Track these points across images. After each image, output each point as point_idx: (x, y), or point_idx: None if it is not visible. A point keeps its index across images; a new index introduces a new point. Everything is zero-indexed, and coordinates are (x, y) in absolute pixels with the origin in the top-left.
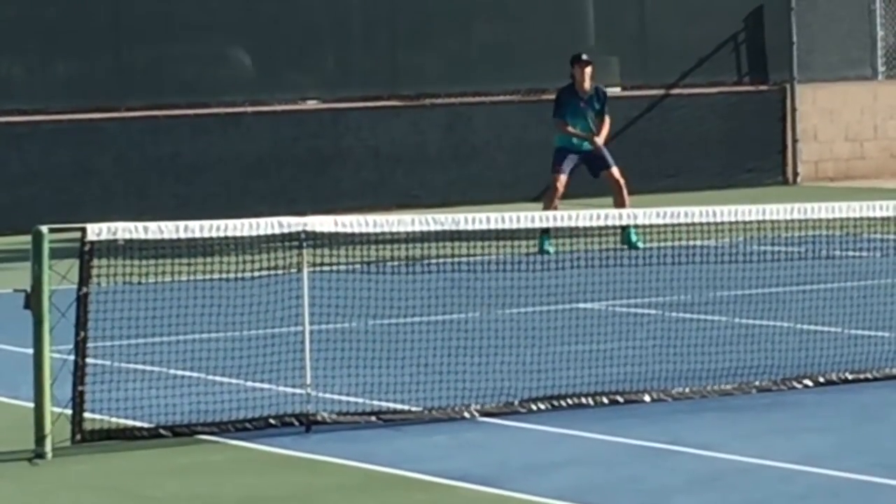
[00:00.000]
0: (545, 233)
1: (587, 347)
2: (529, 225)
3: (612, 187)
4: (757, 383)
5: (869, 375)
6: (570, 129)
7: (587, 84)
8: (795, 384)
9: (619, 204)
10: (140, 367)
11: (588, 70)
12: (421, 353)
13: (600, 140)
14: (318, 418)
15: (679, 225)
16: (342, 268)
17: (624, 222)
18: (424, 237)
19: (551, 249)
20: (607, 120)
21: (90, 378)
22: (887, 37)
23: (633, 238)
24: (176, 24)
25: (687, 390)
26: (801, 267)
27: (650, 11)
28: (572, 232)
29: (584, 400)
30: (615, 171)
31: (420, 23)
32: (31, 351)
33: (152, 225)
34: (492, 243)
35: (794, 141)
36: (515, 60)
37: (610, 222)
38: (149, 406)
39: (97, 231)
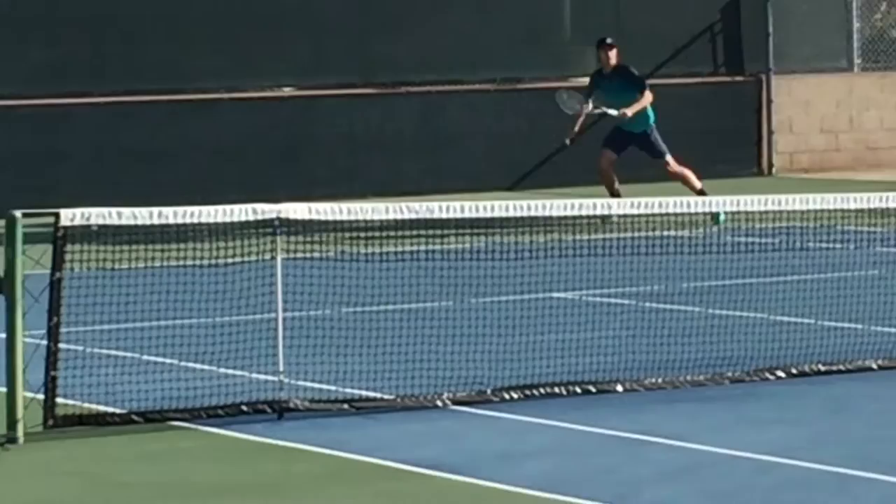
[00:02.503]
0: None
1: (560, 337)
2: (503, 214)
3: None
4: (730, 374)
5: (841, 367)
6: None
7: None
8: (768, 375)
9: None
10: (113, 352)
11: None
12: (394, 341)
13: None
14: (291, 405)
15: (654, 215)
16: (316, 255)
17: (593, 212)
18: (398, 225)
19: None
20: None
21: (63, 363)
22: (863, 28)
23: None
24: (151, 10)
25: (660, 381)
26: (775, 258)
27: (626, 1)
28: (546, 222)
29: (556, 389)
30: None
31: (395, 10)
32: (3, 336)
33: (126, 210)
34: (465, 232)
35: (770, 132)
36: (490, 49)
37: (584, 212)
38: (121, 392)
39: (71, 216)
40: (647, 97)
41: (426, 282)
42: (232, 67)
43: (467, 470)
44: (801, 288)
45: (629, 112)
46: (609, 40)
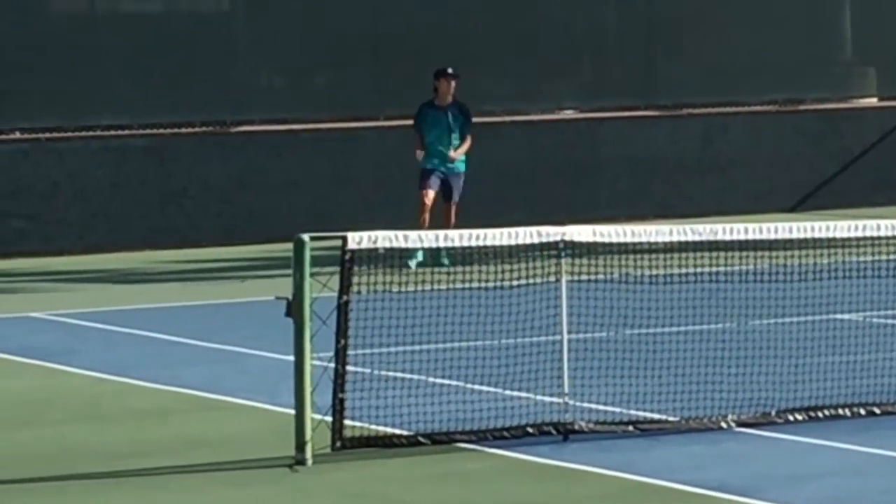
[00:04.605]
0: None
1: (844, 358)
2: (786, 236)
3: (445, 219)
4: None
5: None
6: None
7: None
8: None
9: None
10: (399, 374)
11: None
12: (677, 362)
13: (454, 153)
14: (576, 427)
15: None
16: (600, 277)
17: (877, 234)
18: (682, 247)
19: (412, 264)
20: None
21: (350, 385)
22: None
23: (442, 258)
24: (434, 35)
25: None
26: None
27: None
28: (829, 243)
29: (840, 411)
30: (453, 207)
31: (676, 32)
32: (291, 358)
33: (412, 233)
34: (749, 254)
35: None
36: (772, 70)
37: (868, 233)
38: (408, 414)
39: (358, 239)
40: (469, 141)
41: (709, 304)
42: (514, 90)
43: (752, 492)
44: None
45: (457, 154)
46: (452, 70)
